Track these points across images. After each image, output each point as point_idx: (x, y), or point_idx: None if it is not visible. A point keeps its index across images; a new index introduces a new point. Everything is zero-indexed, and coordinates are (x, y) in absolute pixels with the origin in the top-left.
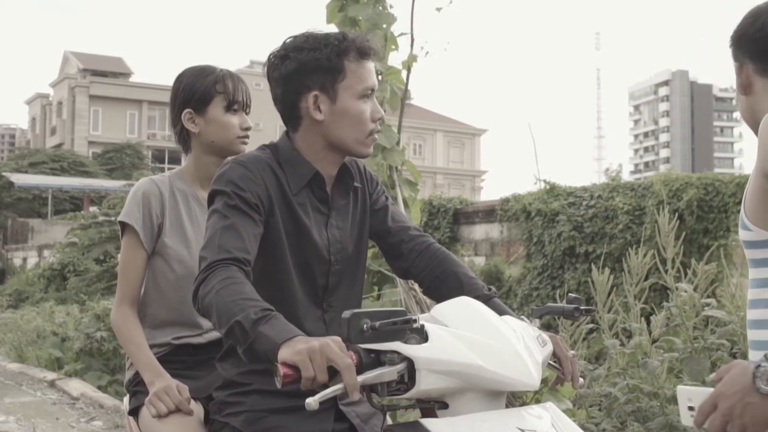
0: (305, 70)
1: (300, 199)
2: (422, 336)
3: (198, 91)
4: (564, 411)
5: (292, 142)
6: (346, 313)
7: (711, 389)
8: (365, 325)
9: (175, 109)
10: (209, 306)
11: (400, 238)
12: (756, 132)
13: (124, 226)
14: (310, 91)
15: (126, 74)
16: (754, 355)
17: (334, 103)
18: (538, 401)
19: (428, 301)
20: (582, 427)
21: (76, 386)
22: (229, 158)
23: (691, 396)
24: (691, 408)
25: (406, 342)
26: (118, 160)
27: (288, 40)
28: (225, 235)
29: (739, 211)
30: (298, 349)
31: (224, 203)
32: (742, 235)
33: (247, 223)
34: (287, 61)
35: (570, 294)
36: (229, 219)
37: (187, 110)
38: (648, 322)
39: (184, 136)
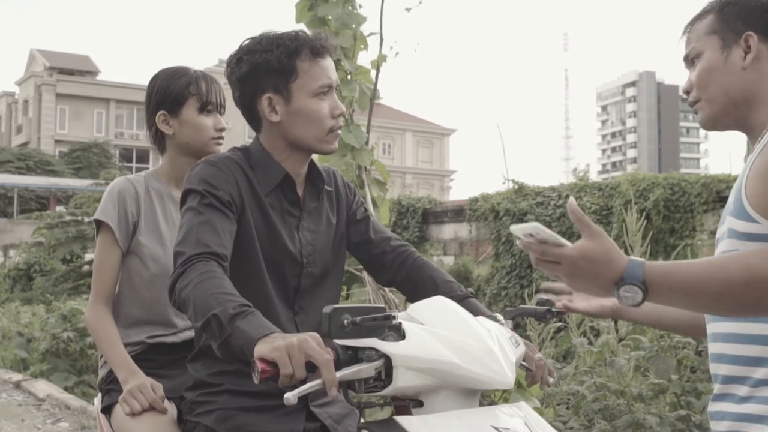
0: (257, 72)
1: (271, 200)
2: (399, 333)
3: (171, 92)
4: (532, 409)
5: (260, 143)
6: (327, 308)
7: (561, 240)
8: (346, 321)
9: (150, 111)
10: (186, 299)
11: (382, 249)
12: (730, 110)
13: (99, 224)
14: (264, 93)
15: (93, 72)
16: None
17: (289, 103)
18: (506, 400)
19: (397, 300)
20: (549, 425)
21: (42, 387)
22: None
23: (540, 232)
24: (531, 235)
25: (383, 339)
26: (85, 159)
27: (245, 42)
28: (202, 230)
29: (706, 211)
30: (276, 345)
31: (199, 201)
32: (740, 226)
33: (222, 220)
34: (241, 63)
35: (541, 296)
36: (205, 215)
37: (161, 112)
38: (615, 321)
39: (159, 138)
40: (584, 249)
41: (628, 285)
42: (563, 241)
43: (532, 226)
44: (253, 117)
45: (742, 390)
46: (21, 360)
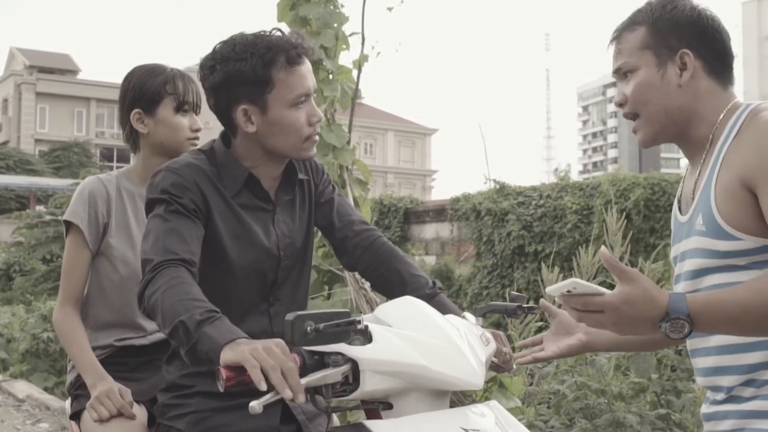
0: (231, 82)
1: (240, 201)
2: (366, 337)
3: (147, 91)
4: (513, 408)
5: (229, 146)
6: (290, 316)
7: (600, 289)
8: (309, 328)
9: (124, 109)
10: (155, 305)
11: (344, 234)
12: (669, 128)
13: (68, 225)
14: (239, 104)
15: (73, 71)
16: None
17: (265, 114)
18: (487, 399)
19: (378, 299)
20: (531, 424)
21: (22, 388)
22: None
23: (578, 286)
24: (569, 292)
25: (350, 343)
26: (66, 158)
27: (217, 47)
28: (169, 237)
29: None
30: (241, 350)
31: (164, 208)
32: (723, 245)
33: (188, 226)
34: (215, 72)
35: (512, 292)
36: (171, 222)
37: (136, 110)
38: None
39: (133, 136)
40: (624, 294)
41: (674, 320)
42: (602, 290)
43: (570, 282)
44: (228, 124)
45: (748, 392)
46: (0, 360)
